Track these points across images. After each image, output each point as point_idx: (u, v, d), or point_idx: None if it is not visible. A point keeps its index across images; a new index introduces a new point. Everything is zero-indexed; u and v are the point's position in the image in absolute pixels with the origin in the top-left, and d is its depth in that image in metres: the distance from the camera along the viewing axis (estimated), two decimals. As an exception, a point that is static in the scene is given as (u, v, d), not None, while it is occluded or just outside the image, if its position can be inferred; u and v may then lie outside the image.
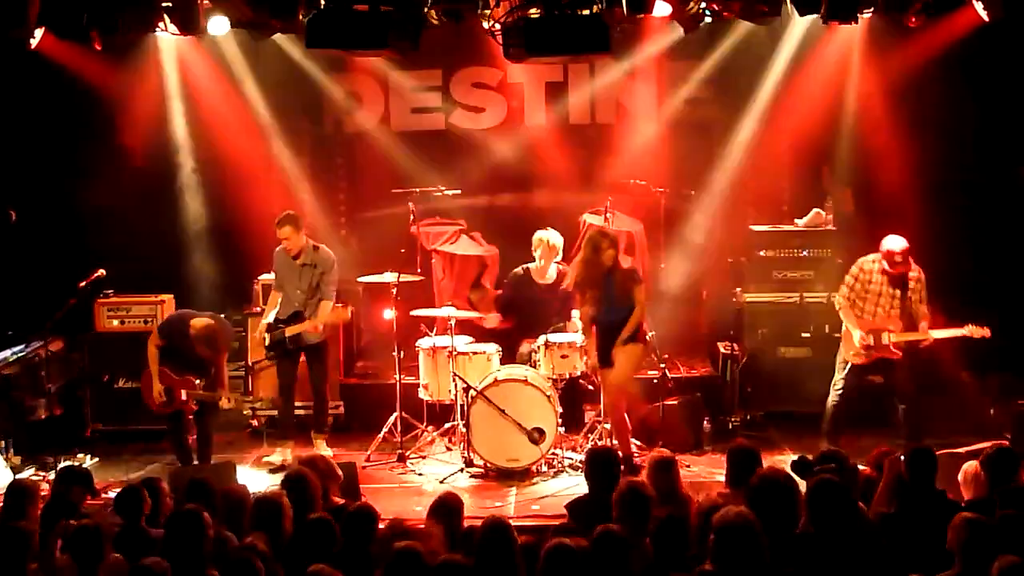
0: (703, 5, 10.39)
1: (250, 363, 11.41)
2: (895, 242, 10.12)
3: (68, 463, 9.91)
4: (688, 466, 10.09)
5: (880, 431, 10.53)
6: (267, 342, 10.73)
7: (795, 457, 8.01)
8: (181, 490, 7.79)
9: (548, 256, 11.08)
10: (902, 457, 7.47)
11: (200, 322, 10.09)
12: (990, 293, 11.64)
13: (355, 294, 11.82)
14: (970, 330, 10.08)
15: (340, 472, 8.20)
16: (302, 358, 10.88)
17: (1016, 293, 11.85)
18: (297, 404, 11.07)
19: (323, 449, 10.72)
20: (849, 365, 10.35)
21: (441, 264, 12.65)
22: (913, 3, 9.94)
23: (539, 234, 11.14)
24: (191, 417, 10.33)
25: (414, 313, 11.02)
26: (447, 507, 7.13)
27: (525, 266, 11.28)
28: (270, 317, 10.82)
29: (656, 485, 7.33)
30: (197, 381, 10.17)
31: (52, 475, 9.86)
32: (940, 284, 10.94)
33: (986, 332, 10.06)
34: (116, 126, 12.38)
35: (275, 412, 11.25)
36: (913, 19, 10.11)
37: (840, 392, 10.42)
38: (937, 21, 10.77)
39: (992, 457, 7.40)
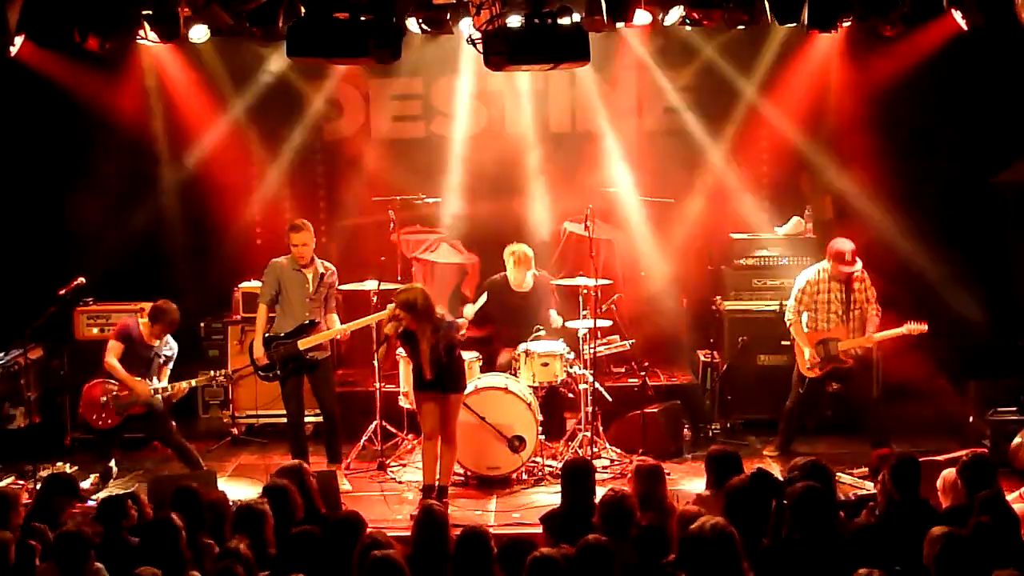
0: (683, 14, 10.46)
1: (230, 371, 11.36)
2: (844, 243, 10.46)
3: (54, 471, 9.85)
4: (668, 474, 10.06)
5: (851, 438, 10.79)
6: (264, 360, 10.14)
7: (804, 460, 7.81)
8: (167, 498, 7.77)
9: (522, 268, 11.06)
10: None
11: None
12: (968, 300, 11.72)
13: (335, 302, 11.75)
14: (908, 328, 10.34)
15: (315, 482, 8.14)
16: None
17: (993, 301, 11.92)
18: (274, 412, 11.04)
19: (342, 484, 9.92)
20: (806, 379, 10.61)
21: (421, 272, 12.65)
22: (890, 12, 9.99)
23: (510, 248, 11.13)
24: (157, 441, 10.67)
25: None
26: (432, 520, 7.00)
27: (503, 274, 11.28)
28: (263, 333, 10.26)
29: (641, 492, 7.35)
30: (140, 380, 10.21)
31: (32, 483, 9.93)
32: (916, 291, 11.00)
33: (923, 328, 10.30)
34: (96, 133, 12.33)
35: (254, 420, 11.17)
36: (889, 28, 10.17)
37: (795, 399, 10.74)
38: (915, 30, 10.85)
39: (968, 465, 7.42)
